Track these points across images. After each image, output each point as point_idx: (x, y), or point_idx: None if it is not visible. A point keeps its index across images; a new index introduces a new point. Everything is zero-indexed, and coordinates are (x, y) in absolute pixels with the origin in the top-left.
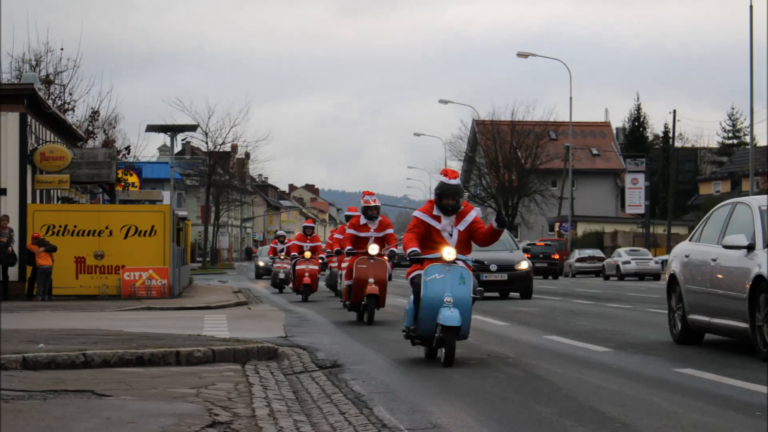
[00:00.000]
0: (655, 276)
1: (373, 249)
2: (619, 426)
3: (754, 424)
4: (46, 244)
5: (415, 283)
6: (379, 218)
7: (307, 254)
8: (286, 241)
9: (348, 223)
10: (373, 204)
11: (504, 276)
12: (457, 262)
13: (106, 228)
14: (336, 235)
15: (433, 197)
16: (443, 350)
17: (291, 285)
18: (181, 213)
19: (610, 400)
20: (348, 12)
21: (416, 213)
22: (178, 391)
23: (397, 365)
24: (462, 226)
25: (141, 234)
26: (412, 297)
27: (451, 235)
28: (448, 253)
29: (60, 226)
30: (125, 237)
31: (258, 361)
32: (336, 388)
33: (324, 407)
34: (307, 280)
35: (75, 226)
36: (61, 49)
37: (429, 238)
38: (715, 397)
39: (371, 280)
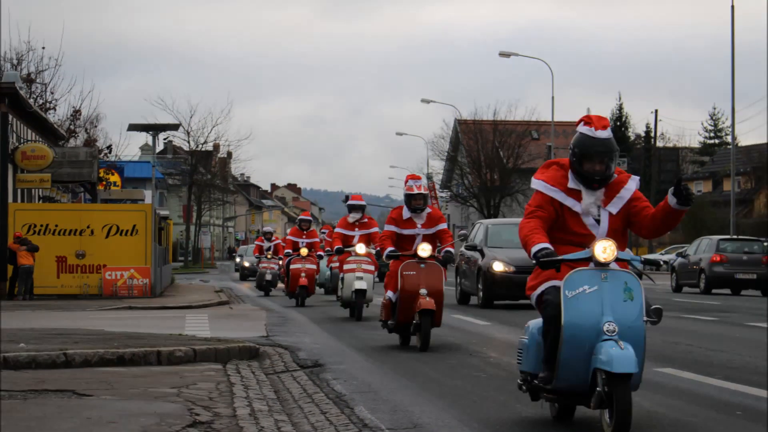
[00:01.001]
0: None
1: (424, 250)
2: (600, 425)
3: (734, 423)
4: (28, 243)
5: (550, 303)
6: (428, 210)
7: (304, 251)
8: (273, 238)
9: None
10: (417, 191)
11: None
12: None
13: (88, 227)
14: (338, 229)
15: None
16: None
17: (285, 288)
18: (163, 212)
19: None
20: (330, 12)
21: (535, 183)
22: (159, 390)
23: (379, 365)
24: (615, 207)
25: (122, 233)
26: (534, 325)
27: (598, 221)
28: (604, 249)
29: (41, 226)
30: (107, 236)
31: (239, 361)
32: (317, 388)
33: (305, 407)
34: (303, 281)
35: (56, 226)
36: (43, 47)
37: (561, 228)
38: (696, 397)
39: (423, 291)
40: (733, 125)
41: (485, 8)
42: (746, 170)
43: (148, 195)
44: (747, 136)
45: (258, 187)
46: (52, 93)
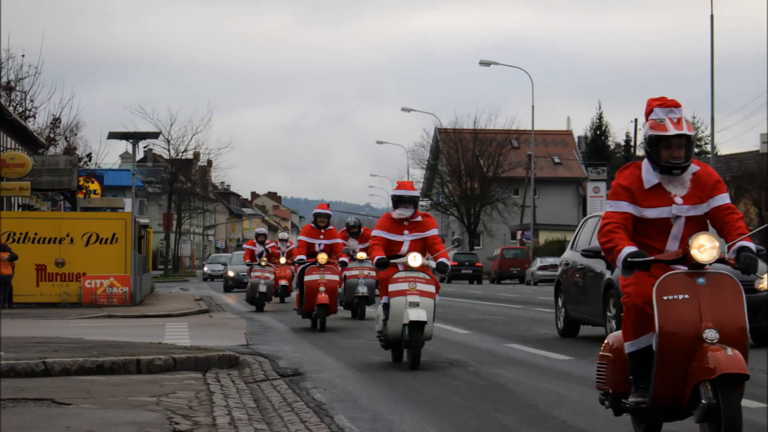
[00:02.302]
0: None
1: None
2: None
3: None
4: (10, 251)
5: None
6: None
7: (322, 257)
8: (267, 241)
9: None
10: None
11: None
12: None
13: (67, 235)
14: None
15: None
16: None
17: (297, 307)
18: (143, 220)
19: (570, 409)
20: (310, 21)
21: None
22: (138, 399)
23: (359, 373)
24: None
25: (102, 241)
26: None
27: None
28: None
29: (20, 234)
30: (86, 244)
31: (219, 370)
32: (297, 397)
33: (285, 415)
34: (323, 298)
35: (36, 234)
36: (23, 55)
37: None
38: None
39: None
40: (712, 134)
41: (465, 17)
42: (726, 179)
43: (128, 203)
44: (726, 145)
45: (238, 196)
46: (32, 101)
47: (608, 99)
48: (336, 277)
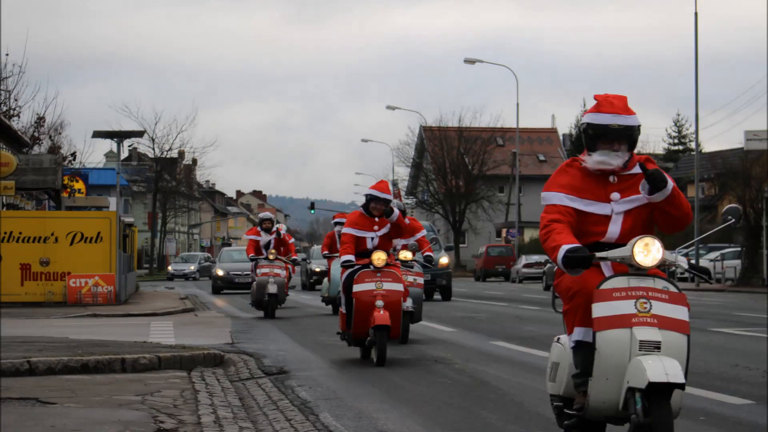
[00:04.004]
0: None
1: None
2: None
3: (697, 428)
4: None
5: None
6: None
7: (379, 258)
8: (274, 229)
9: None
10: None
11: None
12: None
13: (52, 234)
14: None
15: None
16: None
17: (344, 331)
18: (128, 219)
19: None
20: (295, 18)
21: None
22: (123, 398)
23: (344, 371)
24: None
25: (87, 240)
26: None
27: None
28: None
29: (5, 233)
30: (71, 243)
31: (204, 368)
32: (282, 395)
33: (270, 414)
34: (381, 317)
35: (20, 233)
36: (6, 54)
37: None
38: None
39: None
40: (696, 132)
41: (450, 15)
42: (710, 176)
43: (112, 202)
44: (711, 143)
45: (223, 194)
46: (15, 100)
47: (593, 96)
48: (400, 286)
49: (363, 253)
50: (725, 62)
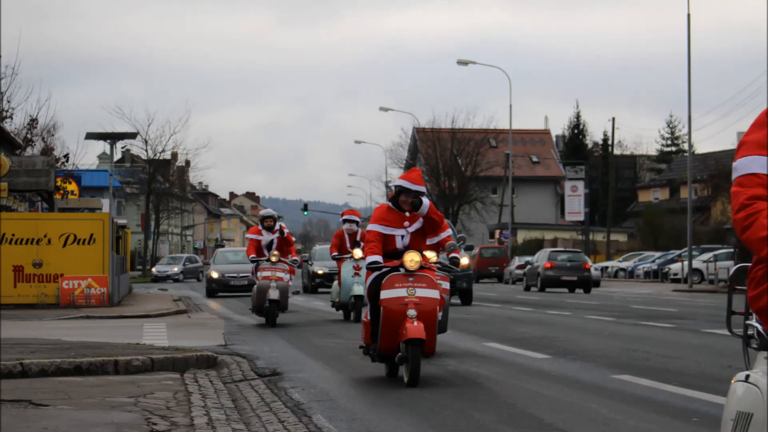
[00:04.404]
0: (595, 283)
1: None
2: None
3: (691, 429)
4: None
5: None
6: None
7: (412, 260)
8: (276, 228)
9: None
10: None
11: None
12: None
13: (45, 236)
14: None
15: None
16: None
17: (366, 344)
18: (121, 221)
19: (548, 407)
20: (287, 20)
21: None
22: (116, 400)
23: (337, 373)
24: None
25: (80, 242)
26: None
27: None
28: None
29: None
30: (64, 245)
31: (197, 370)
32: (275, 397)
33: (263, 416)
34: (414, 329)
35: (13, 235)
36: None
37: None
38: (653, 404)
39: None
40: (690, 133)
41: (443, 16)
42: (703, 177)
43: (105, 204)
44: (704, 144)
45: (216, 196)
46: (8, 101)
47: (586, 98)
48: (435, 293)
49: (392, 253)
50: (718, 64)
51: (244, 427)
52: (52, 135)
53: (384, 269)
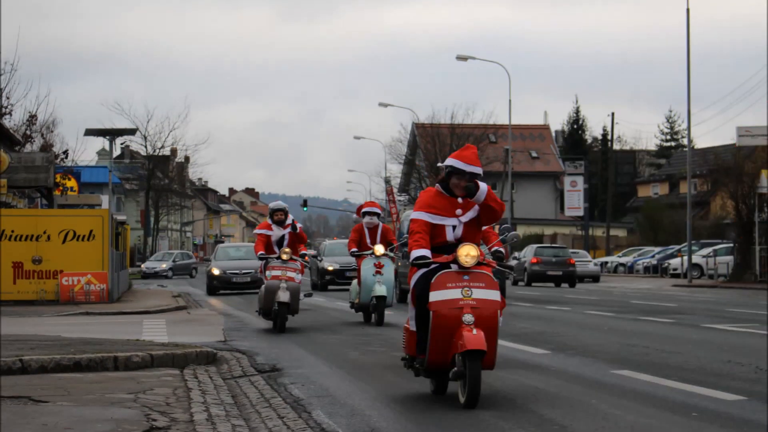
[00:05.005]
0: (594, 278)
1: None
2: (557, 428)
3: (690, 424)
4: None
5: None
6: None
7: (467, 254)
8: (287, 222)
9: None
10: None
11: None
12: None
13: (44, 233)
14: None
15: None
16: None
17: (407, 351)
18: (120, 217)
19: (548, 402)
20: (287, 17)
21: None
22: (115, 396)
23: (337, 369)
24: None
25: (79, 238)
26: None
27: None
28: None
29: None
30: (63, 242)
31: (197, 366)
32: (275, 393)
33: (262, 412)
34: (473, 338)
35: (12, 231)
36: None
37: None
38: (652, 399)
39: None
40: (689, 128)
41: (442, 12)
42: (702, 172)
43: (105, 200)
44: (703, 139)
45: (216, 192)
46: (8, 98)
47: (585, 93)
48: (496, 294)
49: (441, 247)
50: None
51: (243, 423)
52: (52, 131)
53: (433, 265)
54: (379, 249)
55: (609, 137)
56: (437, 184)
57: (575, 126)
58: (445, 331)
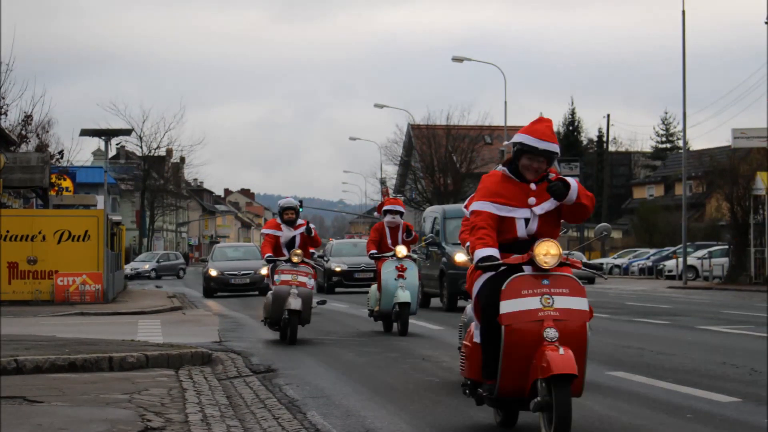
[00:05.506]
0: (590, 279)
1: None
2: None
3: (685, 426)
4: None
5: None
6: None
7: (548, 253)
8: (299, 221)
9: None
10: None
11: None
12: None
13: (39, 233)
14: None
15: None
16: None
17: (468, 375)
18: (116, 218)
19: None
20: (282, 16)
21: None
22: (110, 396)
23: (332, 370)
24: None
25: (74, 239)
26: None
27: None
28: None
29: None
30: (59, 242)
31: (192, 366)
32: (270, 393)
33: (257, 412)
34: (559, 360)
35: (8, 231)
36: None
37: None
38: (647, 400)
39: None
40: (684, 129)
41: (438, 13)
42: (698, 174)
43: (100, 200)
44: (698, 141)
45: (211, 192)
46: (3, 98)
47: (580, 95)
48: (584, 303)
49: (509, 244)
50: (713, 61)
51: (238, 424)
52: (47, 131)
53: (502, 268)
54: (402, 250)
55: (604, 139)
56: (503, 167)
57: (571, 127)
58: (522, 350)
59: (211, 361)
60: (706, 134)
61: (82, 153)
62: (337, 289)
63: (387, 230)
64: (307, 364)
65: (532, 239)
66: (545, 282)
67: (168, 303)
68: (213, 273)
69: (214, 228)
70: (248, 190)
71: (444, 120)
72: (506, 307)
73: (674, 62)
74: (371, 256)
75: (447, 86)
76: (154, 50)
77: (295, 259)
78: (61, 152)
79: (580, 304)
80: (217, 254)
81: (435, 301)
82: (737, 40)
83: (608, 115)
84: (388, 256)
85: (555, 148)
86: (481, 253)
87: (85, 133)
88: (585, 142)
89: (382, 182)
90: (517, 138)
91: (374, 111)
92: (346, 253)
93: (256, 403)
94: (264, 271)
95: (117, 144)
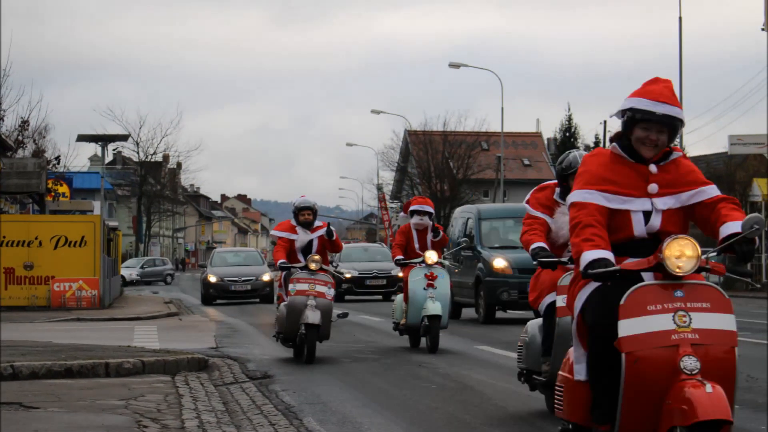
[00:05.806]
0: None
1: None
2: None
3: None
4: None
5: None
6: None
7: (682, 254)
8: (316, 224)
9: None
10: None
11: None
12: None
13: (36, 238)
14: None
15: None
16: None
17: (569, 418)
18: (112, 223)
19: (539, 411)
20: (278, 23)
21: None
22: (106, 402)
23: (328, 376)
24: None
25: (71, 244)
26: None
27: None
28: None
29: None
30: (55, 247)
31: (188, 372)
32: (266, 399)
33: (254, 418)
34: (707, 403)
35: (4, 237)
36: None
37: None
38: None
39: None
40: (681, 135)
41: (435, 19)
42: None
43: (97, 206)
44: (695, 147)
45: (208, 198)
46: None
47: (577, 101)
48: (730, 321)
49: (624, 245)
50: (709, 67)
51: (234, 430)
52: (44, 137)
53: (617, 276)
54: (432, 256)
55: (601, 145)
56: (613, 144)
57: (567, 134)
58: (651, 386)
59: (207, 367)
60: (703, 140)
61: (78, 158)
62: (347, 297)
63: (414, 233)
64: (304, 370)
65: (654, 239)
66: (678, 294)
67: (164, 309)
68: (212, 279)
69: (210, 234)
70: (245, 196)
71: (441, 126)
72: (627, 328)
73: (671, 68)
74: (397, 263)
75: (444, 92)
76: (152, 56)
77: (313, 266)
78: (57, 158)
79: (727, 323)
80: (216, 260)
81: (467, 312)
82: (734, 46)
83: (605, 122)
84: (416, 263)
85: (678, 112)
86: (591, 255)
87: (81, 138)
88: (582, 149)
89: (379, 188)
90: (627, 103)
91: (371, 117)
92: (356, 258)
93: (253, 410)
94: (266, 277)
95: (114, 150)
